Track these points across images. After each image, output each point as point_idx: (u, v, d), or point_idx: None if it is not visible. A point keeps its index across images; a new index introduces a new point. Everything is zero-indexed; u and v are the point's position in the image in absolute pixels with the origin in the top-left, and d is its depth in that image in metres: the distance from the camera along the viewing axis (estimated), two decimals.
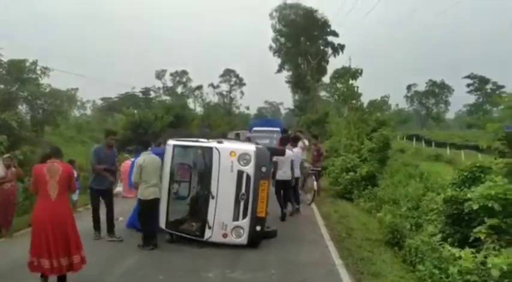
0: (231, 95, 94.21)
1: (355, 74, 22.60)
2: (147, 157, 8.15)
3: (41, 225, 5.53)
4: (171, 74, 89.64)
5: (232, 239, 7.95)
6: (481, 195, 6.48)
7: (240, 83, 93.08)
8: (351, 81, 22.33)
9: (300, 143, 13.09)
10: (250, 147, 8.32)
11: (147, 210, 8.02)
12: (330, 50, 61.19)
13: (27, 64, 21.94)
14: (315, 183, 12.73)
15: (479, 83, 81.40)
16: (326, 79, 57.61)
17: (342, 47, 59.70)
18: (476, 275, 5.23)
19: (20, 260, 6.25)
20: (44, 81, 22.93)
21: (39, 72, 22.40)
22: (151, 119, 30.34)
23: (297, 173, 11.44)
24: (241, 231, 7.95)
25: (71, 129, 34.82)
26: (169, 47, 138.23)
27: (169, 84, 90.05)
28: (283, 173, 10.76)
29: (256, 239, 8.06)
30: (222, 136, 11.91)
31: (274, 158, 9.71)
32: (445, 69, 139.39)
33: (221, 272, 6.78)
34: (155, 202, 8.05)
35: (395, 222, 8.58)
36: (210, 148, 8.22)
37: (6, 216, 8.93)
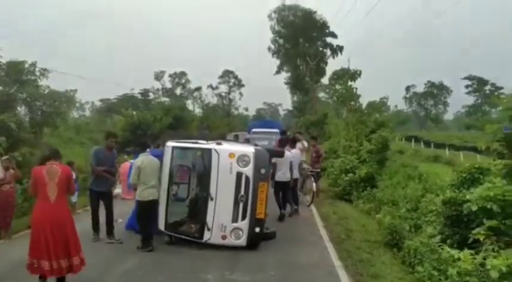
0: (230, 96, 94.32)
1: (354, 75, 22.59)
2: (145, 159, 8.15)
3: (41, 227, 5.52)
4: (170, 76, 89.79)
5: (231, 240, 7.95)
6: (480, 196, 6.49)
7: (239, 84, 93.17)
8: (349, 83, 22.33)
9: (299, 144, 13.10)
10: (249, 149, 8.31)
11: (145, 211, 8.02)
12: (328, 51, 61.31)
13: (26, 65, 21.94)
14: (314, 184, 12.73)
15: (478, 84, 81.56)
16: (325, 80, 57.61)
17: (340, 48, 59.81)
18: (475, 277, 5.23)
19: (19, 262, 6.24)
20: (42, 82, 22.95)
21: (38, 73, 22.41)
22: (150, 120, 30.36)
23: (296, 174, 11.46)
24: (241, 232, 7.94)
25: (70, 130, 34.78)
26: (168, 48, 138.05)
27: (168, 85, 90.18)
28: (282, 174, 10.77)
29: (255, 241, 8.05)
30: (221, 137, 11.90)
31: (273, 160, 9.72)
32: (444, 71, 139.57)
33: (220, 273, 6.78)
34: (153, 203, 8.05)
35: (394, 224, 8.59)
36: (209, 150, 8.22)
37: (5, 218, 8.92)
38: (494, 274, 4.94)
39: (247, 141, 14.73)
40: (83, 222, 8.43)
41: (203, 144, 8.53)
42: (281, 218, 10.64)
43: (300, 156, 12.35)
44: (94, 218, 8.59)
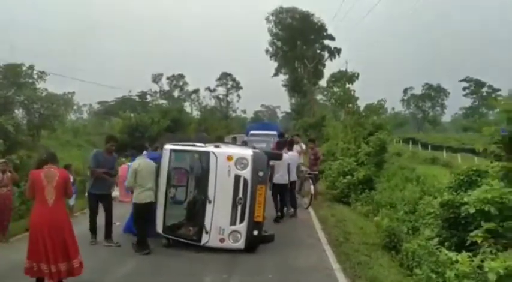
0: (228, 98, 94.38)
1: (352, 77, 22.65)
2: (142, 161, 8.15)
3: (39, 230, 5.52)
4: (168, 78, 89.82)
5: (229, 243, 7.94)
6: (478, 199, 6.50)
7: (237, 86, 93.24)
8: (347, 85, 22.39)
9: (297, 147, 13.12)
10: (247, 152, 8.32)
11: (142, 214, 8.01)
12: (326, 54, 61.44)
13: (24, 68, 21.95)
14: (312, 187, 12.72)
15: (475, 86, 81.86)
16: (323, 83, 57.95)
17: (338, 50, 59.98)
18: (473, 279, 5.24)
19: (16, 265, 6.23)
20: (40, 85, 22.96)
21: (35, 76, 22.42)
22: (148, 122, 30.36)
23: (294, 176, 11.47)
24: (239, 235, 7.94)
25: (68, 133, 34.76)
26: (167, 50, 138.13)
27: (166, 88, 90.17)
28: (280, 177, 10.79)
29: (253, 244, 8.04)
30: (219, 140, 11.90)
31: (271, 162, 9.72)
32: (441, 73, 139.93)
33: (218, 276, 6.77)
34: (150, 206, 8.05)
35: (392, 226, 8.60)
36: (207, 152, 8.22)
37: (3, 221, 8.89)
38: (492, 276, 4.94)
39: (244, 143, 14.72)
40: (80, 225, 8.41)
41: (201, 147, 8.53)
42: (277, 219, 10.66)
43: (298, 158, 12.36)
44: (92, 220, 8.57)
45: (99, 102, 77.79)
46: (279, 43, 62.41)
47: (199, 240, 8.03)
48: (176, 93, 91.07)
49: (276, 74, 64.14)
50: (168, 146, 8.48)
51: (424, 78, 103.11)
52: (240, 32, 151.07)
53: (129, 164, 10.55)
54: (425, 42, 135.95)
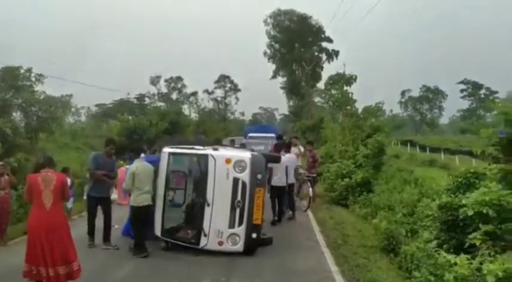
0: (226, 100, 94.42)
1: (350, 80, 22.68)
2: (140, 164, 8.15)
3: (36, 234, 5.52)
4: (166, 80, 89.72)
5: (228, 246, 7.93)
6: (476, 201, 6.50)
7: (235, 88, 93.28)
8: (345, 88, 22.42)
9: (295, 149, 13.12)
10: (245, 155, 8.32)
11: (140, 217, 8.00)
12: (324, 56, 61.58)
13: (22, 71, 21.93)
14: (310, 189, 12.72)
15: (472, 89, 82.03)
16: (321, 85, 57.93)
17: (336, 53, 60.14)
18: None
19: (15, 268, 6.21)
20: (38, 88, 22.93)
21: (33, 79, 22.40)
22: (146, 125, 30.36)
23: (292, 179, 11.47)
24: (237, 238, 7.93)
25: (66, 135, 34.71)
26: (165, 52, 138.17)
27: (164, 90, 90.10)
28: (278, 179, 10.80)
29: (252, 247, 8.03)
30: (217, 142, 11.90)
31: (269, 164, 9.72)
32: (439, 75, 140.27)
33: (217, 279, 6.76)
34: (148, 209, 8.04)
35: (390, 229, 8.60)
36: (206, 155, 8.22)
37: (1, 224, 8.86)
38: (490, 279, 4.95)
39: (242, 146, 14.72)
40: (78, 228, 8.40)
41: (199, 149, 8.53)
42: (274, 222, 10.66)
43: (295, 160, 12.36)
44: (90, 223, 8.55)
45: (97, 105, 77.94)
46: (277, 45, 62.57)
47: (198, 243, 8.02)
48: (174, 96, 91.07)
49: (274, 76, 64.40)
50: (167, 149, 8.48)
51: (421, 81, 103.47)
52: (238, 34, 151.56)
53: (128, 166, 10.56)
54: (422, 44, 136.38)
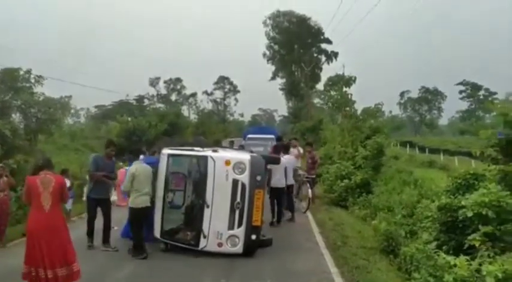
0: (225, 102, 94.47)
1: (349, 81, 22.68)
2: (139, 166, 8.15)
3: (35, 236, 5.52)
4: (165, 82, 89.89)
5: (227, 248, 7.93)
6: (475, 202, 6.50)
7: (234, 90, 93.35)
8: (344, 89, 22.41)
9: (294, 151, 13.13)
10: (245, 156, 8.31)
11: (138, 218, 8.01)
12: (323, 58, 61.64)
13: (21, 72, 21.92)
14: (310, 190, 12.72)
15: (471, 90, 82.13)
16: (320, 86, 57.96)
17: (335, 54, 60.24)
18: None
19: (14, 270, 6.20)
20: (37, 89, 22.92)
21: (33, 80, 22.39)
22: (145, 126, 30.37)
23: (291, 180, 11.48)
24: (237, 240, 7.93)
25: (65, 137, 34.68)
26: (164, 53, 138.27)
27: (163, 91, 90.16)
28: (278, 180, 10.81)
29: (251, 248, 8.03)
30: (216, 143, 11.91)
31: (268, 166, 9.72)
32: (438, 76, 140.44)
33: (216, 281, 6.77)
34: (147, 210, 8.05)
35: (390, 230, 8.60)
36: (205, 157, 8.22)
37: (0, 226, 8.87)
38: (490, 280, 4.94)
39: (241, 147, 14.73)
40: (78, 230, 8.41)
41: (199, 151, 8.53)
42: (273, 223, 10.68)
43: (294, 162, 12.36)
44: (90, 225, 8.54)
45: (96, 106, 77.91)
46: (276, 47, 62.69)
47: (197, 244, 8.01)
48: (173, 97, 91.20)
49: (273, 78, 64.47)
50: (166, 151, 8.48)
51: (420, 82, 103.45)
52: (237, 36, 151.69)
53: (127, 168, 10.56)
54: (421, 45, 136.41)
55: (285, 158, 11.12)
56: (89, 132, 43.06)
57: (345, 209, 13.66)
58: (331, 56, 60.58)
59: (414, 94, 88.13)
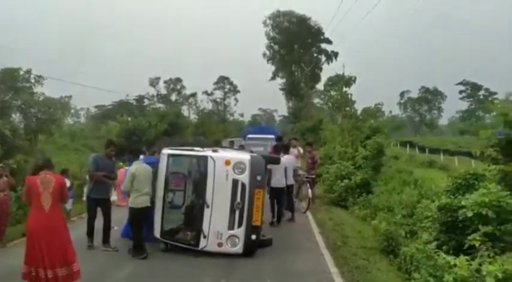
0: (225, 102, 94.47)
1: (349, 81, 22.68)
2: (139, 166, 8.16)
3: (35, 236, 5.52)
4: (165, 82, 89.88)
5: (227, 248, 7.93)
6: (475, 202, 6.50)
7: (234, 90, 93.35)
8: (344, 89, 22.41)
9: (294, 151, 13.13)
10: (245, 156, 8.31)
11: (138, 218, 8.01)
12: (323, 58, 61.65)
13: (21, 72, 21.91)
14: (310, 190, 12.73)
15: (471, 90, 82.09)
16: (320, 86, 57.98)
17: (335, 54, 60.26)
18: None
19: (14, 270, 6.20)
20: (37, 89, 22.91)
21: (33, 80, 22.38)
22: (145, 126, 30.36)
23: (291, 180, 11.48)
24: (237, 240, 7.93)
25: (65, 137, 34.67)
26: (164, 53, 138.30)
27: (163, 91, 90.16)
28: (278, 180, 10.82)
29: (251, 248, 8.03)
30: (216, 143, 11.90)
31: (268, 166, 9.72)
32: (438, 76, 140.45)
33: (216, 281, 6.77)
34: (147, 210, 8.05)
35: (390, 230, 8.59)
36: (205, 157, 8.22)
37: (0, 225, 8.87)
38: (490, 280, 4.94)
39: (241, 147, 14.73)
40: (78, 230, 8.41)
41: (199, 151, 8.53)
42: (273, 223, 10.69)
43: (294, 161, 12.37)
44: (90, 225, 8.55)
45: (96, 106, 77.90)
46: (276, 47, 62.68)
47: (197, 244, 8.01)
48: (173, 97, 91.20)
49: (273, 78, 64.49)
50: (166, 151, 8.48)
51: (420, 82, 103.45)
52: (237, 36, 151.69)
53: (127, 168, 10.56)
54: (421, 45, 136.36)
55: (285, 158, 11.12)
56: (89, 132, 43.06)
57: (345, 209, 13.67)
58: (331, 56, 60.64)
59: (414, 94, 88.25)
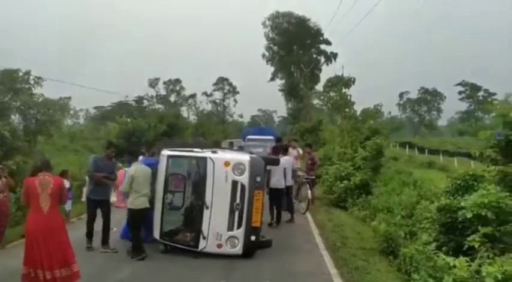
0: (225, 103, 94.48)
1: (348, 82, 22.73)
2: (138, 167, 8.17)
3: (34, 238, 5.52)
4: (164, 83, 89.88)
5: (227, 249, 7.92)
6: (475, 203, 6.51)
7: (234, 91, 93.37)
8: (343, 90, 22.46)
9: (294, 152, 13.12)
10: (244, 157, 8.31)
11: (137, 219, 8.01)
12: (322, 59, 61.70)
13: (21, 74, 21.91)
14: (309, 191, 12.72)
15: (470, 90, 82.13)
16: (319, 87, 58.04)
17: (334, 55, 60.32)
18: None
19: (13, 271, 6.20)
20: (37, 90, 22.92)
21: (32, 82, 22.38)
22: (145, 127, 30.30)
23: (289, 181, 11.48)
24: (236, 241, 7.92)
25: (64, 138, 34.66)
26: (162, 56, 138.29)
27: (163, 92, 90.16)
28: (277, 181, 10.81)
29: (251, 249, 8.02)
30: (215, 144, 11.91)
31: (267, 167, 9.71)
32: (437, 77, 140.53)
33: None
34: (145, 211, 8.05)
35: (389, 231, 8.59)
36: (205, 158, 8.21)
37: None
38: (489, 281, 4.95)
39: (240, 148, 14.73)
40: (77, 231, 8.41)
41: (198, 152, 8.53)
42: (271, 224, 10.70)
43: (293, 162, 12.35)
44: (89, 226, 8.54)
45: (95, 107, 77.90)
46: (275, 48, 62.70)
47: (197, 245, 8.00)
48: (173, 98, 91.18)
49: (272, 79, 64.48)
50: (166, 152, 8.48)
51: (419, 82, 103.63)
52: (237, 37, 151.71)
53: (126, 169, 10.56)
54: (421, 46, 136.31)
55: (283, 159, 11.12)
56: (88, 134, 43.09)
57: (345, 210, 13.67)
58: (331, 57, 60.71)
59: (413, 95, 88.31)
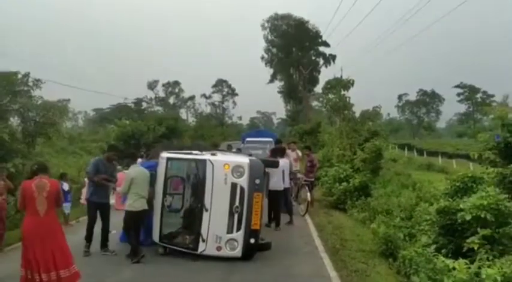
0: (224, 105, 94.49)
1: (347, 84, 22.70)
2: (137, 170, 8.17)
3: (30, 241, 5.53)
4: (163, 85, 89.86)
5: (226, 251, 7.90)
6: (474, 205, 6.52)
7: (233, 93, 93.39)
8: (342, 92, 22.44)
9: (293, 154, 13.13)
10: (244, 160, 8.30)
11: (136, 221, 7.99)
12: (321, 61, 61.82)
13: (19, 76, 21.85)
14: (309, 194, 12.73)
15: (469, 92, 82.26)
16: (318, 89, 58.15)
17: (333, 57, 60.41)
18: None
19: (12, 274, 6.20)
20: (35, 93, 22.84)
21: (31, 84, 22.31)
22: (144, 130, 30.25)
23: (287, 182, 11.48)
24: (236, 243, 7.90)
25: (63, 140, 34.56)
26: (162, 57, 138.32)
27: (162, 94, 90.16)
28: (275, 183, 10.81)
29: (250, 252, 8.01)
30: (214, 146, 11.89)
31: (266, 169, 9.71)
32: (436, 79, 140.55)
33: None
34: (144, 213, 8.04)
35: (389, 233, 8.58)
36: (204, 160, 8.20)
37: None
38: None
39: (238, 151, 14.74)
40: (76, 235, 8.41)
41: (198, 155, 8.52)
42: (268, 225, 10.73)
43: (290, 164, 12.35)
44: (89, 229, 8.51)
45: (94, 110, 77.82)
46: (274, 50, 62.81)
47: (196, 248, 7.99)
48: (172, 100, 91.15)
49: (271, 81, 64.56)
50: (165, 154, 8.47)
51: (418, 84, 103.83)
52: (235, 39, 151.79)
53: (125, 171, 10.55)
54: (420, 48, 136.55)
55: (282, 161, 11.11)
56: (87, 136, 43.00)
57: (344, 212, 13.64)
58: (329, 59, 60.82)
59: (412, 97, 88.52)
